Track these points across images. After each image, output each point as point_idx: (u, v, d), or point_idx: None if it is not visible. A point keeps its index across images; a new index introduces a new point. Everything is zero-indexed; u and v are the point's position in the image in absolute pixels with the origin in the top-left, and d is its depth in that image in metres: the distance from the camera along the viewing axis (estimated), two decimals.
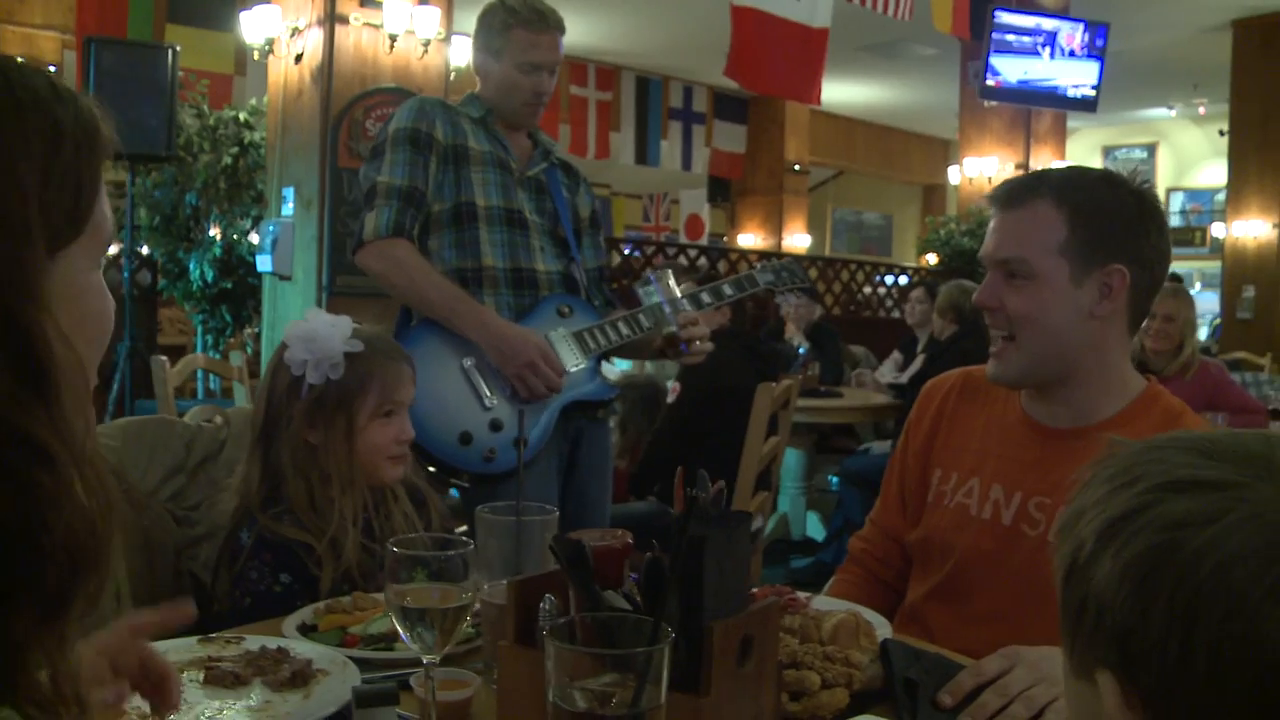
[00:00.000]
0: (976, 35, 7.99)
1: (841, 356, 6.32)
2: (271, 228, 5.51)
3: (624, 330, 2.58)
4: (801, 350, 5.88)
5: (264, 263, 5.53)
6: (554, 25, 2.60)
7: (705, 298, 2.74)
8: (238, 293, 6.10)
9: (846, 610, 1.41)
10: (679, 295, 2.62)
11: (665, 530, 3.34)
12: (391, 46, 5.55)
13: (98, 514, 0.79)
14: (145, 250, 6.47)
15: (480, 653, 1.38)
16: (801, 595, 1.64)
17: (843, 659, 1.28)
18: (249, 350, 5.84)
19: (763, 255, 10.93)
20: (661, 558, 1.02)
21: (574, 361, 2.52)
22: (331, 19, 5.43)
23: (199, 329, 6.31)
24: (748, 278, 2.81)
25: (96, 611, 1.56)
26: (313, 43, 5.50)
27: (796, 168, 13.06)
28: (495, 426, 2.45)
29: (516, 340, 2.43)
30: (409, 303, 2.53)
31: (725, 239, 14.28)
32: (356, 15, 5.49)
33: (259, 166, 6.06)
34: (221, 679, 1.32)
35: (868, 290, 11.03)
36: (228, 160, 6.02)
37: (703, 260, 9.90)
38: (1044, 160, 8.45)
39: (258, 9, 5.66)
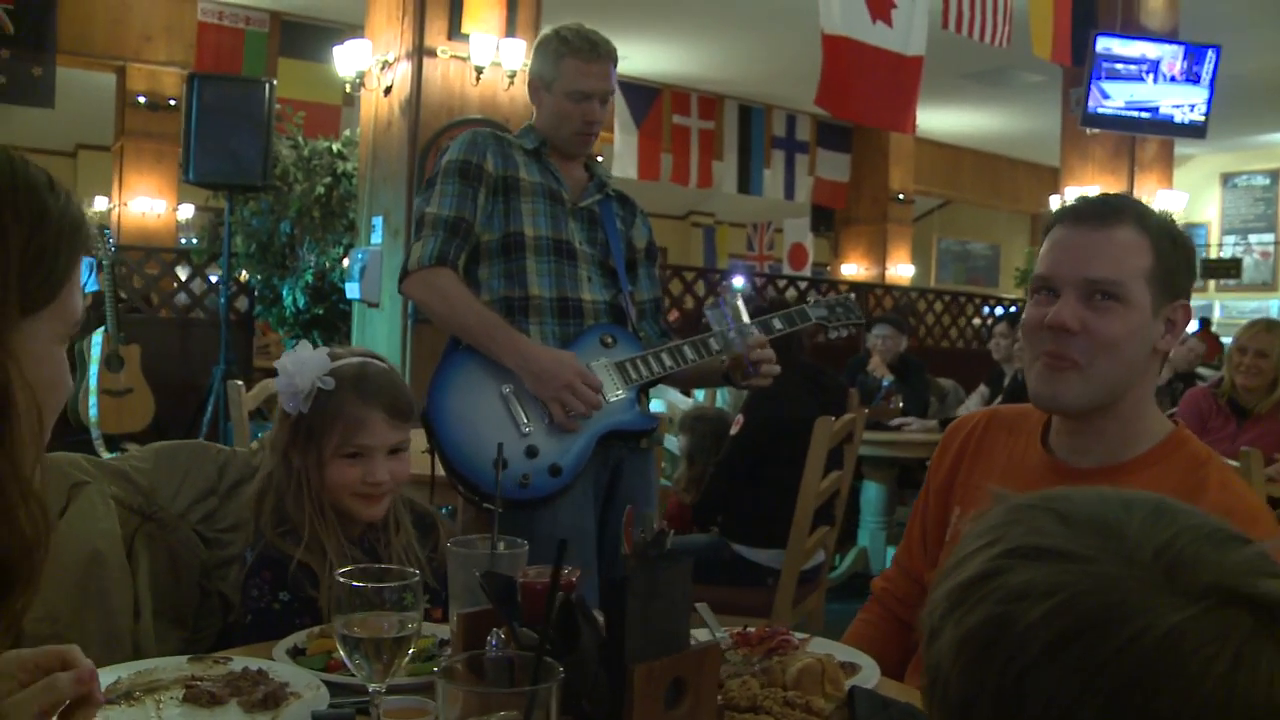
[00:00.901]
0: (1078, 61, 7.81)
1: (928, 390, 6.19)
2: (360, 255, 5.66)
3: (667, 361, 2.57)
4: (885, 383, 5.78)
5: (353, 290, 5.67)
6: (605, 55, 2.63)
7: (777, 324, 2.72)
8: (329, 319, 6.27)
9: (817, 655, 1.38)
10: (747, 319, 2.59)
11: (724, 563, 3.31)
12: (478, 78, 5.66)
13: (34, 541, 0.86)
14: (243, 277, 6.70)
15: None
16: (798, 636, 1.62)
17: (803, 704, 1.26)
18: None
19: (865, 286, 10.83)
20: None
21: (614, 391, 2.52)
22: (419, 52, 5.57)
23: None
24: (799, 312, 2.79)
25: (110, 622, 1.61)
26: (401, 75, 5.65)
27: (900, 197, 12.90)
28: (531, 453, 2.46)
29: (552, 364, 2.44)
30: (449, 330, 2.57)
31: (829, 269, 14.16)
32: (444, 48, 5.62)
33: (351, 196, 6.23)
34: (198, 698, 1.36)
35: (976, 322, 10.81)
36: (321, 190, 6.21)
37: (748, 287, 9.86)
38: (1149, 189, 8.19)
39: (349, 43, 5.84)
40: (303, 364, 1.78)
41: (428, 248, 2.52)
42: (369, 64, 5.79)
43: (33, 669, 1.03)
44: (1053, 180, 9.01)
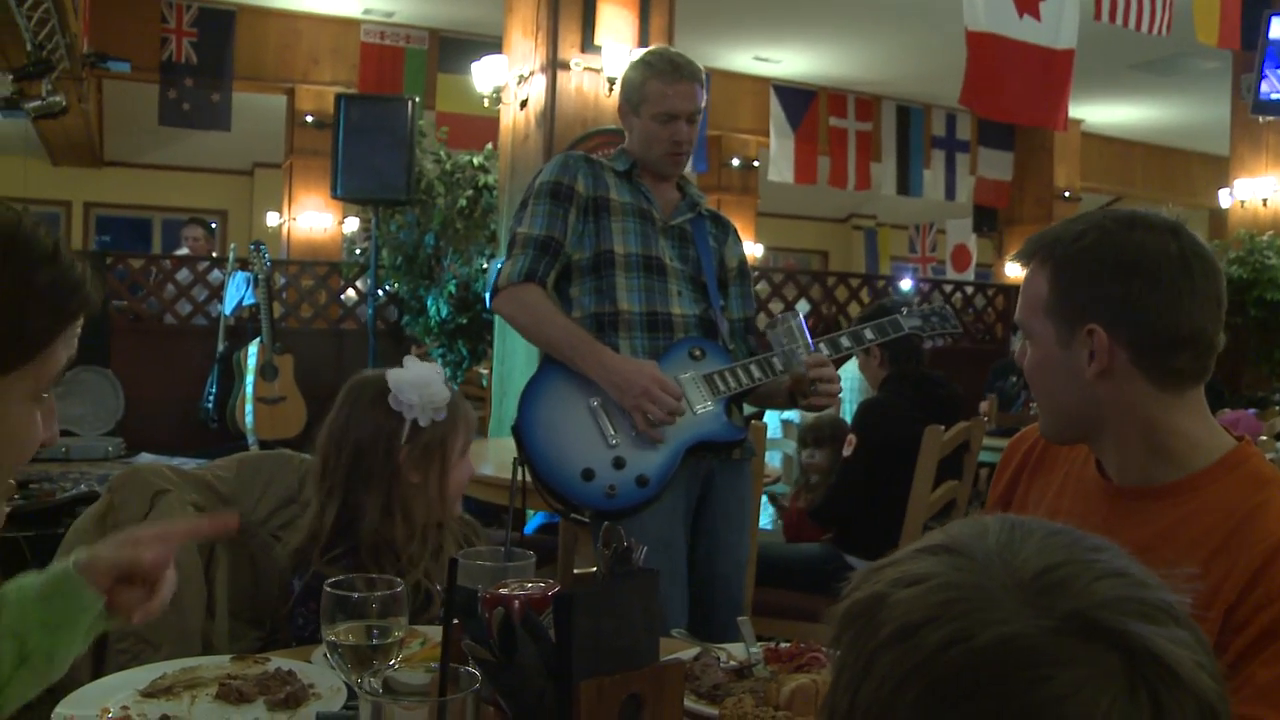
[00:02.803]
0: (1249, 46, 7.37)
1: None
2: (500, 265, 5.79)
3: (755, 373, 2.58)
4: (1026, 389, 5.59)
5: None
6: (689, 75, 2.65)
7: (844, 341, 2.71)
8: (473, 328, 6.44)
9: (814, 676, 1.36)
10: (809, 338, 2.58)
11: (835, 573, 3.29)
12: (611, 89, 5.73)
13: None
14: (391, 288, 6.96)
15: None
16: (827, 652, 1.60)
17: None
18: (484, 383, 6.17)
19: (1016, 288, 10.45)
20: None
21: (702, 402, 2.54)
22: (554, 65, 5.68)
23: (439, 362, 6.70)
24: (891, 322, 2.76)
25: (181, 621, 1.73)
26: (537, 89, 5.77)
27: (1067, 195, 12.41)
28: (618, 464, 2.49)
29: (630, 372, 2.47)
30: (536, 344, 2.63)
31: (993, 270, 13.74)
32: (577, 61, 5.71)
33: (493, 208, 6.39)
34: (228, 695, 1.44)
35: None
36: (464, 202, 6.39)
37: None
38: None
39: (486, 59, 5.99)
40: (424, 377, 1.86)
41: (517, 265, 2.59)
42: (506, 78, 5.93)
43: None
44: (1228, 171, 8.51)
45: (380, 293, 6.69)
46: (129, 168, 12.79)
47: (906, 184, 12.46)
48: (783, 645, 1.64)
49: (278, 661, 1.55)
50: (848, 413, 5.58)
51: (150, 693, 1.46)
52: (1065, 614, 0.60)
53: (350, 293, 7.43)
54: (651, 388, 2.45)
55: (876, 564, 0.69)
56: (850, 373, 5.73)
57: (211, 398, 6.43)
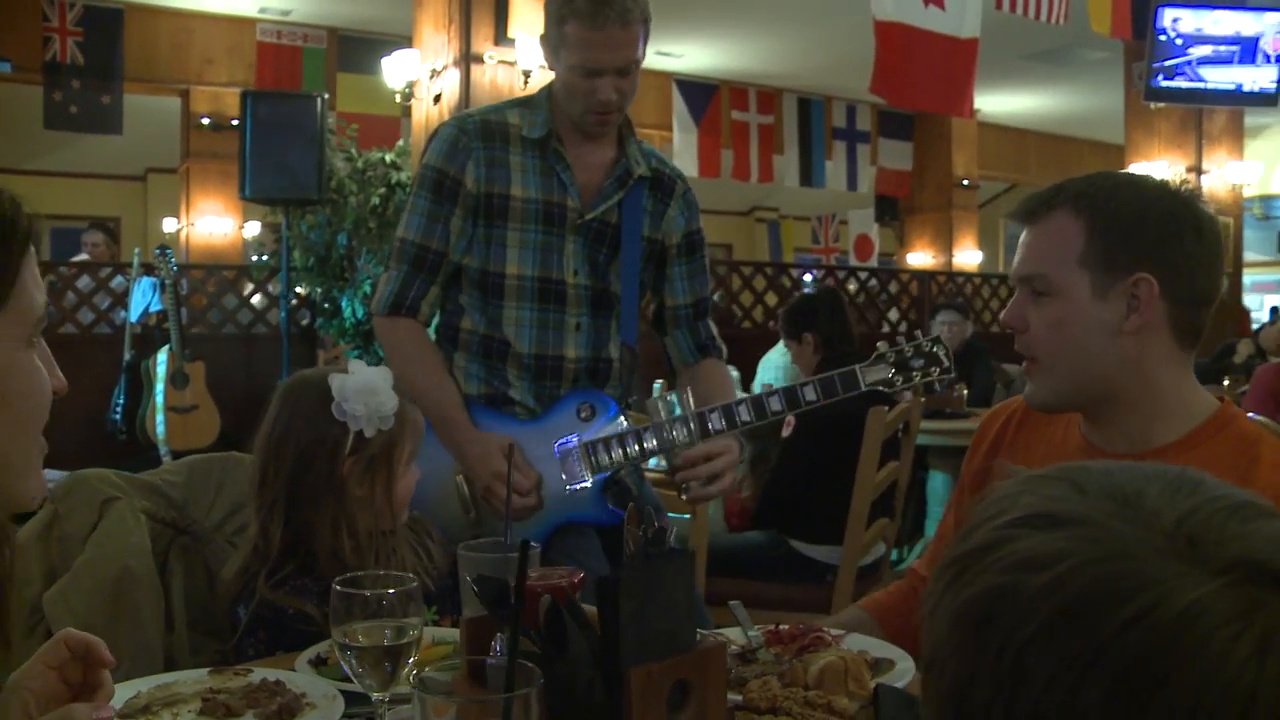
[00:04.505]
0: (1139, 35, 7.59)
1: (993, 376, 6.06)
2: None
3: (640, 448, 2.05)
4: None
5: None
6: (618, 18, 2.02)
7: (774, 404, 2.05)
8: None
9: (842, 653, 1.33)
10: (696, 422, 2.02)
11: (781, 560, 3.21)
12: (526, 82, 5.66)
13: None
14: (303, 291, 6.78)
15: None
16: (833, 632, 1.57)
17: (825, 705, 1.21)
18: None
19: (931, 275, 10.66)
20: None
21: (577, 479, 2.06)
22: (467, 59, 5.60)
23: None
24: (845, 378, 2.03)
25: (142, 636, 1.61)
26: (450, 83, 5.68)
27: (965, 183, 12.68)
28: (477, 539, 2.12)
29: (476, 460, 2.08)
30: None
31: (895, 258, 13.98)
32: (491, 54, 5.64)
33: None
34: (214, 710, 1.35)
35: None
36: (376, 201, 6.25)
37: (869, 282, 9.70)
38: (1218, 161, 7.95)
39: (397, 54, 5.89)
40: (370, 384, 1.72)
41: (387, 289, 2.19)
42: (418, 74, 5.82)
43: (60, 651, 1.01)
44: (1121, 158, 8.77)
45: (292, 296, 6.50)
46: (13, 174, 12.25)
47: (809, 175, 12.60)
48: (782, 627, 1.60)
49: (261, 672, 1.46)
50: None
51: (126, 714, 1.36)
52: (1227, 564, 0.55)
53: (259, 297, 7.21)
54: (492, 484, 2.04)
55: (954, 558, 0.62)
56: (775, 361, 5.75)
57: (119, 408, 6.17)
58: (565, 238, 2.18)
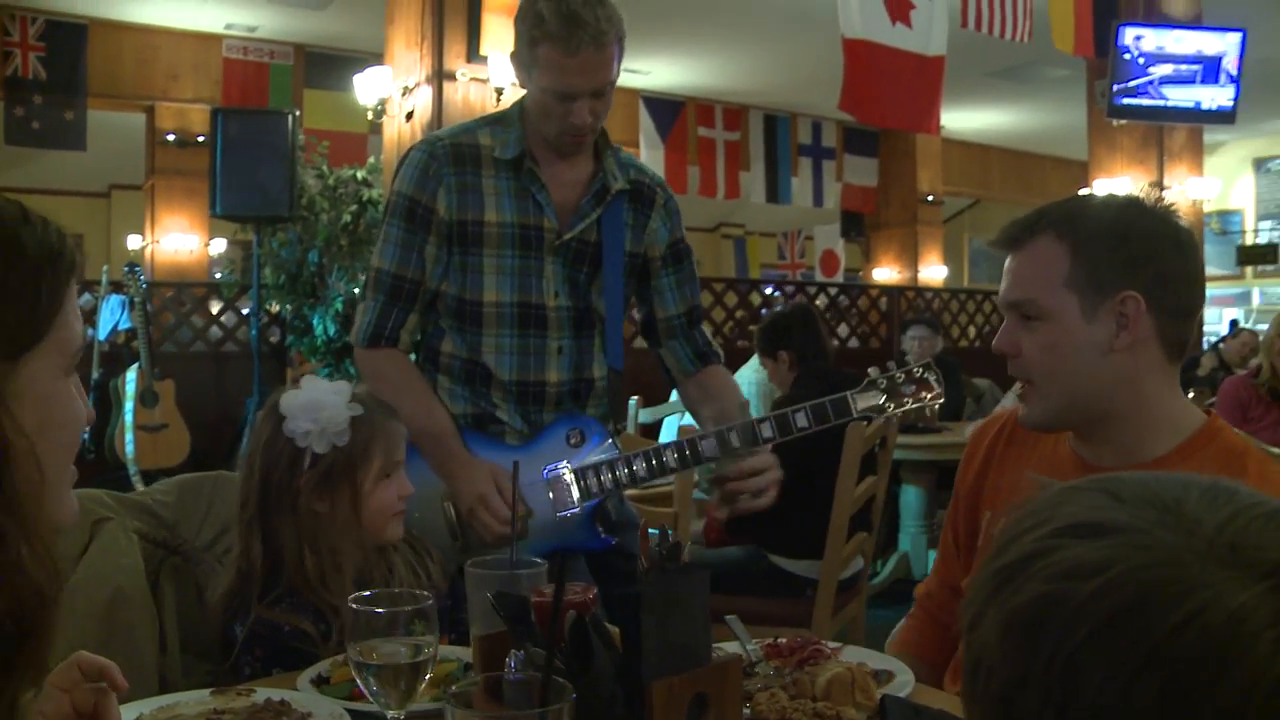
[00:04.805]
0: (1101, 53, 7.72)
1: (964, 390, 6.12)
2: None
3: (637, 471, 2.08)
4: None
5: None
6: (591, 41, 1.96)
7: (767, 431, 2.11)
8: None
9: (848, 665, 1.34)
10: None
11: (761, 575, 3.20)
12: (498, 99, 5.67)
13: (44, 583, 0.83)
14: (274, 308, 6.74)
15: None
16: (830, 645, 1.58)
17: (834, 715, 1.22)
18: None
19: (900, 290, 10.74)
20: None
21: (566, 506, 2.07)
22: (439, 76, 5.60)
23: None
24: (836, 405, 2.09)
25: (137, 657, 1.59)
26: (422, 101, 5.68)
27: (930, 199, 12.80)
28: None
29: (462, 485, 2.05)
30: None
31: (860, 274, 14.08)
32: (463, 71, 5.64)
33: (377, 222, 6.25)
34: None
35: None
36: (347, 218, 6.23)
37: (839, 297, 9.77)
38: (1180, 177, 8.08)
39: (369, 71, 5.88)
40: (315, 400, 1.71)
41: (365, 320, 2.16)
42: (390, 91, 5.82)
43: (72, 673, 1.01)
44: (1083, 174, 8.90)
45: (263, 314, 6.46)
46: None
47: (775, 192, 12.67)
48: (780, 640, 1.61)
49: (265, 692, 1.45)
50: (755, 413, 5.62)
51: None
52: (1270, 568, 0.57)
53: (230, 314, 7.16)
54: (476, 508, 2.03)
55: (989, 570, 0.64)
56: (747, 377, 5.77)
57: (88, 428, 6.11)
58: (544, 260, 2.14)
